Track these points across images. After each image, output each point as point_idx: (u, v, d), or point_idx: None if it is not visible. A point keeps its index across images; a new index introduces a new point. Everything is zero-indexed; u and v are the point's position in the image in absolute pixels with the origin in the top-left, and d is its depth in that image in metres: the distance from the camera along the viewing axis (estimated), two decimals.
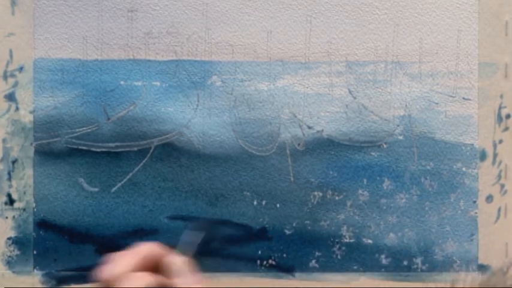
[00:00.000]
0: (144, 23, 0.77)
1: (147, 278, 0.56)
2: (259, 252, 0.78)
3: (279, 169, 0.78)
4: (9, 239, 0.78)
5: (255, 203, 0.78)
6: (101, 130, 0.77)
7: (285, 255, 0.78)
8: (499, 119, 0.79)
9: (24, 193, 0.77)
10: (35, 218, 0.77)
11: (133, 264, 0.57)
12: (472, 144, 0.79)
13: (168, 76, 0.78)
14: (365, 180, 0.78)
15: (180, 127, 0.78)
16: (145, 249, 0.58)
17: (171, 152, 0.78)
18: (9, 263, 0.78)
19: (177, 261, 0.58)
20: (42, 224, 0.77)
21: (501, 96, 0.79)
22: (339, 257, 0.78)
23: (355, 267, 0.79)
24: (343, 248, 0.78)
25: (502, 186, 0.79)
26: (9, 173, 0.77)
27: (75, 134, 0.77)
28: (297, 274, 0.78)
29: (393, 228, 0.79)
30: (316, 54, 0.78)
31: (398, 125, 0.78)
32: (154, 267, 0.58)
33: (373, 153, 0.78)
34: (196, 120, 0.78)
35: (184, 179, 0.78)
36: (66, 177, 0.77)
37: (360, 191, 0.78)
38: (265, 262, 0.78)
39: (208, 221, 0.76)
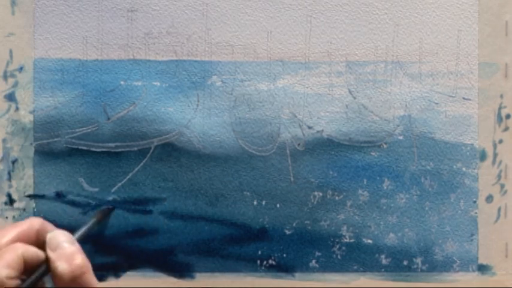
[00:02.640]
0: (144, 23, 0.77)
1: (26, 248, 0.55)
2: (259, 252, 0.78)
3: (279, 169, 0.78)
4: None
5: (255, 203, 0.78)
6: (101, 130, 0.77)
7: (285, 255, 0.78)
8: (499, 119, 0.79)
9: (24, 193, 0.77)
10: None
11: (13, 236, 0.56)
12: (472, 144, 0.79)
13: (168, 76, 0.78)
14: (365, 180, 0.78)
15: (180, 127, 0.78)
16: (30, 222, 0.58)
17: (171, 152, 0.78)
18: None
19: (57, 235, 0.58)
20: None
21: (501, 96, 0.79)
22: (339, 257, 0.78)
23: (355, 267, 0.79)
24: (343, 248, 0.78)
25: (502, 186, 0.79)
26: (9, 173, 0.77)
27: (75, 134, 0.77)
28: (297, 274, 0.78)
29: (393, 228, 0.79)
30: (316, 54, 0.78)
31: (398, 125, 0.78)
32: (41, 241, 0.58)
33: (373, 153, 0.78)
34: (196, 120, 0.78)
35: (184, 179, 0.78)
36: (66, 177, 0.77)
37: (360, 191, 0.78)
38: (265, 262, 0.78)
39: (106, 210, 0.76)
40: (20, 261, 0.55)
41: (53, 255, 0.57)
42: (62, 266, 0.56)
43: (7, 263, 0.54)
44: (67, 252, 0.57)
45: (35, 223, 0.59)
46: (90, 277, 0.57)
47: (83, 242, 0.78)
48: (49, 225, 0.59)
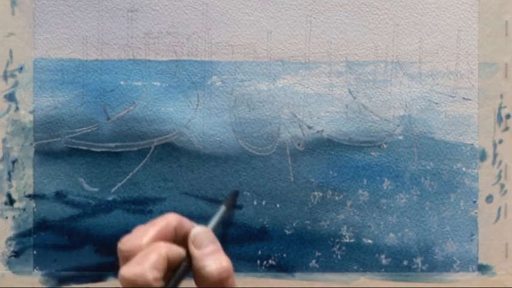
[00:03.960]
0: (144, 23, 0.77)
1: (170, 247, 0.54)
2: (259, 252, 0.78)
3: (279, 169, 0.78)
4: (9, 239, 0.78)
5: (255, 203, 0.78)
6: (101, 130, 0.77)
7: (285, 255, 0.78)
8: (499, 119, 0.79)
9: (24, 193, 0.77)
10: (35, 218, 0.77)
11: (153, 235, 0.55)
12: (472, 144, 0.79)
13: (168, 76, 0.78)
14: (365, 180, 0.78)
15: (180, 127, 0.78)
16: (168, 219, 0.56)
17: (171, 152, 0.78)
18: (9, 263, 0.78)
19: (201, 232, 0.57)
20: (42, 224, 0.77)
21: (501, 96, 0.79)
22: (339, 257, 0.78)
23: (355, 267, 0.79)
24: (343, 248, 0.78)
25: (502, 186, 0.79)
26: (9, 173, 0.77)
27: (75, 134, 0.77)
28: (297, 274, 0.78)
29: (393, 228, 0.79)
30: (316, 54, 0.78)
31: (398, 125, 0.78)
32: (179, 237, 0.56)
33: (373, 153, 0.78)
34: (196, 120, 0.78)
35: (184, 179, 0.78)
36: (66, 177, 0.77)
37: (360, 191, 0.78)
38: (265, 262, 0.78)
39: (233, 195, 0.75)
40: (164, 262, 0.54)
41: (198, 253, 0.55)
42: (210, 266, 0.54)
43: (153, 265, 0.53)
44: (213, 251, 0.56)
45: (172, 219, 0.57)
46: (233, 281, 0.55)
47: (83, 242, 0.78)
48: (185, 221, 0.57)
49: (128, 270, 0.53)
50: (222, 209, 0.64)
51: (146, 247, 0.54)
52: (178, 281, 0.55)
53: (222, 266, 0.55)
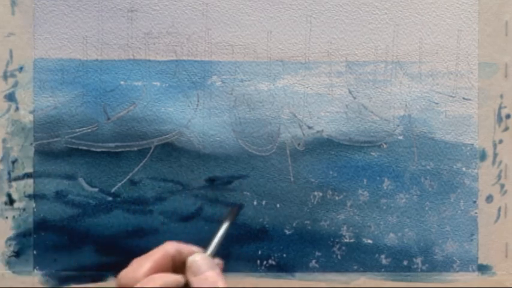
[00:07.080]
0: (144, 23, 0.77)
1: (165, 278, 0.55)
2: (259, 252, 0.78)
3: (279, 169, 0.78)
4: (9, 239, 0.78)
5: (255, 203, 0.78)
6: (101, 130, 0.77)
7: (285, 255, 0.78)
8: (499, 119, 0.79)
9: (24, 193, 0.77)
10: (35, 218, 0.77)
11: (149, 267, 0.56)
12: (472, 144, 0.79)
13: (168, 76, 0.78)
14: (365, 180, 0.78)
15: (180, 127, 0.78)
16: (165, 249, 0.57)
17: (171, 152, 0.78)
18: (9, 263, 0.78)
19: (198, 260, 0.57)
20: (42, 224, 0.77)
21: (501, 96, 0.79)
22: (339, 257, 0.78)
23: (355, 267, 0.79)
24: (343, 248, 0.78)
25: (502, 186, 0.79)
26: (9, 173, 0.77)
27: (75, 134, 0.77)
28: (297, 274, 0.78)
29: (393, 228, 0.79)
30: (316, 54, 0.78)
31: (398, 125, 0.78)
32: (178, 264, 0.57)
33: (373, 153, 0.78)
34: (196, 120, 0.78)
35: (184, 179, 0.78)
36: (66, 177, 0.77)
37: (360, 191, 0.78)
38: (265, 262, 0.78)
39: (233, 210, 0.74)
40: None
41: (195, 280, 0.56)
42: None
43: None
44: (209, 278, 0.57)
45: (169, 249, 0.58)
46: None
47: (83, 242, 0.78)
48: (184, 247, 0.59)
49: None
50: (225, 226, 0.64)
51: (142, 279, 0.55)
52: None
53: None
